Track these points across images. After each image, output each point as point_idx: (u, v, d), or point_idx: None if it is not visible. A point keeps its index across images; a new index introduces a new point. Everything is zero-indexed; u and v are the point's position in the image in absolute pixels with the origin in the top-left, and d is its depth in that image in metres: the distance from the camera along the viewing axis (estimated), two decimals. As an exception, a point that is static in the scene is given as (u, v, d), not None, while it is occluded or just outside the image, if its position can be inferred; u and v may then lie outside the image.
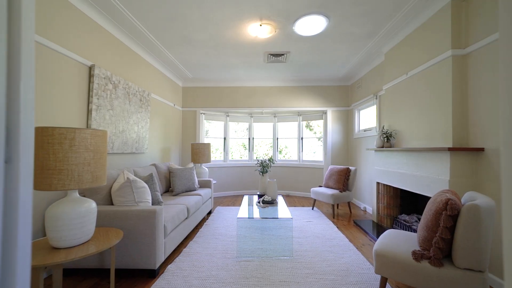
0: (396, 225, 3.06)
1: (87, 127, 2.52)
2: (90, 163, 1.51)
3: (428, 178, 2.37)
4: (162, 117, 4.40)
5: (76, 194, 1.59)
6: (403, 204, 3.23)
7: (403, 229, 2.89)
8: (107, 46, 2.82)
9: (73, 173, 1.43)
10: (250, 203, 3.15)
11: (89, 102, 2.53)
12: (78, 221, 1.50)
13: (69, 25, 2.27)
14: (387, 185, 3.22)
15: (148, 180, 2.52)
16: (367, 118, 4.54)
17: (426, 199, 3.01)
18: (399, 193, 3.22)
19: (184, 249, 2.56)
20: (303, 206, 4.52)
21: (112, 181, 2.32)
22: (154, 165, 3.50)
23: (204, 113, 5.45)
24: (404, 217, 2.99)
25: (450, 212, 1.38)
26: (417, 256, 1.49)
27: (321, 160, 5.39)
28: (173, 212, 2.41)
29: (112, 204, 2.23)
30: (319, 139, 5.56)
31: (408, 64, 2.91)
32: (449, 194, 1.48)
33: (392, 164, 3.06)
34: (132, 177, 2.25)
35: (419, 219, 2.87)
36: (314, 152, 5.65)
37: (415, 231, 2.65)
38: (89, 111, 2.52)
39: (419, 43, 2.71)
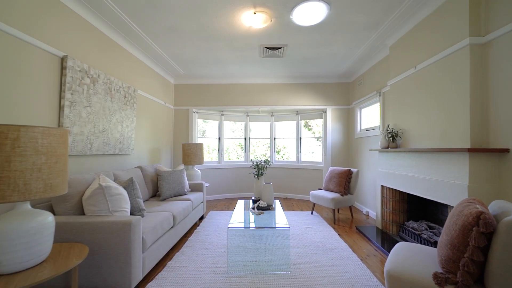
0: (403, 232, 2.80)
1: (58, 125, 2.23)
2: (41, 169, 1.23)
3: (442, 183, 2.11)
4: (151, 116, 4.10)
5: (27, 206, 1.31)
6: (410, 210, 2.98)
7: (411, 238, 2.63)
8: (83, 36, 2.53)
9: (17, 182, 1.15)
10: (244, 208, 2.88)
11: (61, 98, 2.24)
12: (26, 240, 1.22)
13: (35, 10, 1.98)
14: (392, 189, 2.97)
15: (128, 185, 2.24)
16: (369, 116, 4.28)
17: (436, 205, 2.75)
18: (406, 198, 2.96)
19: (169, 262, 2.28)
20: (301, 210, 4.26)
21: (86, 186, 2.04)
22: (139, 167, 3.22)
23: (197, 112, 5.16)
24: (412, 224, 2.73)
25: (484, 229, 1.12)
26: (440, 280, 1.23)
27: (320, 161, 5.12)
28: (155, 222, 2.14)
29: (84, 214, 1.95)
30: (318, 139, 5.30)
31: (416, 56, 2.65)
32: (479, 206, 1.21)
33: (398, 166, 2.80)
34: (106, 182, 1.97)
35: (429, 227, 2.62)
36: (313, 152, 5.39)
37: (425, 240, 2.39)
38: (61, 108, 2.24)
39: (430, 32, 2.45)
